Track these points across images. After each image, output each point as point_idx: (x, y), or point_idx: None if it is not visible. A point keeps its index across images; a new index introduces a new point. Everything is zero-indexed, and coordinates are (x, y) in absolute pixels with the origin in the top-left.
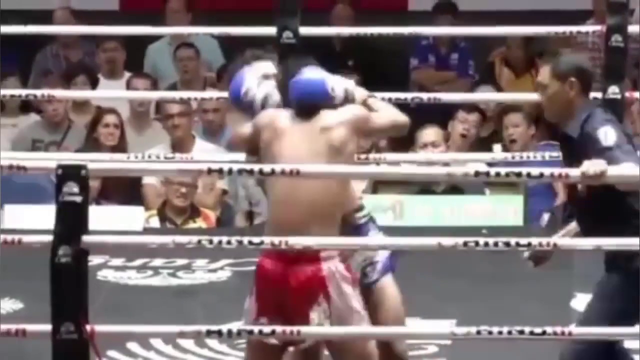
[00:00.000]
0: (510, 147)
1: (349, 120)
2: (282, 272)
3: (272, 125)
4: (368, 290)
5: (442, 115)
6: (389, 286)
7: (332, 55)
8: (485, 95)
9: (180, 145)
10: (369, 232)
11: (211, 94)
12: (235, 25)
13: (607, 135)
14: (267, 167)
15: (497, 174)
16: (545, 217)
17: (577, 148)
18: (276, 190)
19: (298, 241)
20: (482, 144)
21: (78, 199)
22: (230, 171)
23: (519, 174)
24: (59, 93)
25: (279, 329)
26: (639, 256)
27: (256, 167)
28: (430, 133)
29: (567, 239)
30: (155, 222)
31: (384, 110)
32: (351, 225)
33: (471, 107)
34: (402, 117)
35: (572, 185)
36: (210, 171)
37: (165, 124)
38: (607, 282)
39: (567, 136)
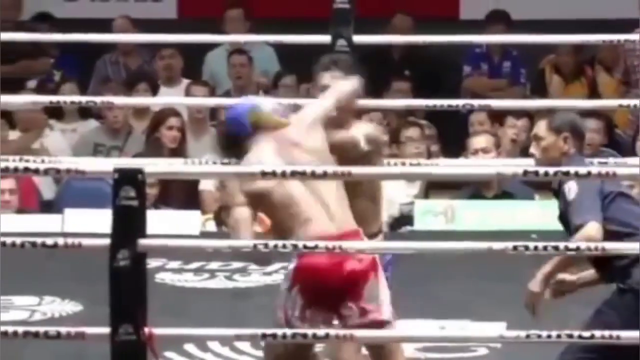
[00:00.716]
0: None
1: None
2: (336, 262)
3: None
4: None
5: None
6: None
7: (389, 64)
8: (534, 103)
9: None
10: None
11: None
12: (291, 34)
13: (570, 190)
14: (319, 169)
15: (546, 174)
16: None
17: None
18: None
19: (352, 245)
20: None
21: (135, 203)
22: (283, 174)
23: (567, 173)
24: (119, 100)
25: (332, 332)
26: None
27: (308, 168)
28: (481, 140)
29: (614, 243)
30: (211, 226)
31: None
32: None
33: (520, 113)
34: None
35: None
36: (264, 174)
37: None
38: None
39: (554, 190)
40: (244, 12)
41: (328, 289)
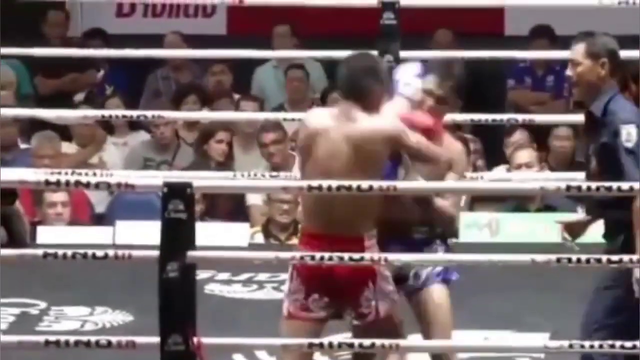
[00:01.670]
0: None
1: (386, 131)
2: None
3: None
4: (411, 296)
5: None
6: (435, 293)
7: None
8: (577, 117)
9: (279, 169)
10: (433, 248)
11: None
12: (337, 49)
13: (630, 135)
14: (364, 184)
15: (589, 188)
16: None
17: (599, 126)
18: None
19: (398, 257)
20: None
21: (183, 215)
22: (329, 188)
23: (609, 188)
24: (168, 114)
25: (378, 342)
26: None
27: (354, 184)
28: (524, 154)
29: None
30: (259, 238)
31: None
32: (408, 238)
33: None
34: (439, 153)
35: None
36: (310, 188)
37: (262, 152)
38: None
39: (591, 114)
40: (290, 28)
41: (325, 278)
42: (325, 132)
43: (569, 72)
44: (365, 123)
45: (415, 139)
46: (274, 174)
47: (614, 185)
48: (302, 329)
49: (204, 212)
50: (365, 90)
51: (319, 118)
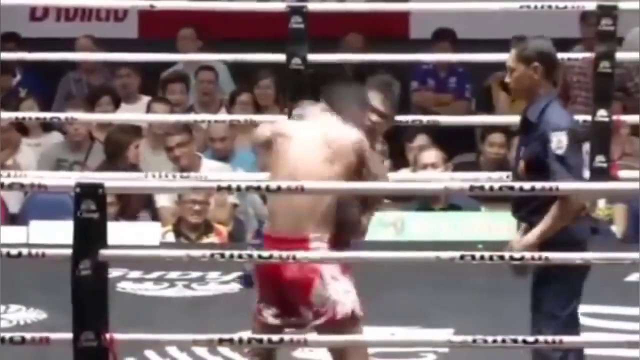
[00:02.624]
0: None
1: (357, 141)
2: (276, 265)
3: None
4: None
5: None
6: None
7: (343, 80)
8: (481, 118)
9: (187, 170)
10: None
11: (224, 116)
12: (247, 52)
13: (561, 142)
14: (273, 184)
15: (491, 188)
16: None
17: (532, 131)
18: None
19: (304, 255)
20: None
21: (95, 215)
22: (238, 188)
23: (511, 188)
24: (81, 116)
25: (286, 337)
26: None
27: (263, 183)
28: (430, 155)
29: (558, 253)
30: (170, 238)
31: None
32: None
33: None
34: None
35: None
36: (219, 188)
37: (168, 155)
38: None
39: (526, 119)
40: (195, 31)
41: (273, 287)
42: (297, 131)
43: (507, 78)
44: (339, 128)
45: (372, 167)
46: (185, 174)
47: (516, 185)
48: (260, 331)
49: (118, 212)
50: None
51: (292, 125)
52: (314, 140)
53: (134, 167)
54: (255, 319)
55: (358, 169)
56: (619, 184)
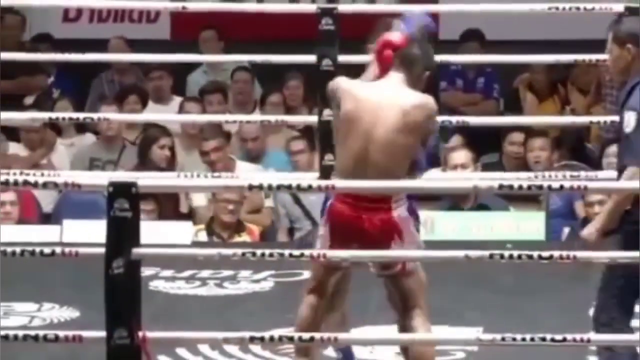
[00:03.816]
0: (535, 167)
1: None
2: (357, 216)
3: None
4: None
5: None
6: None
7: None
8: (510, 119)
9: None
10: None
11: (255, 117)
12: (269, 53)
13: (629, 121)
14: (304, 182)
15: (520, 187)
16: (566, 230)
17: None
18: (350, 150)
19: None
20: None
21: (128, 214)
22: (270, 187)
23: (540, 187)
24: (114, 116)
25: (317, 335)
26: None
27: (294, 181)
28: (460, 155)
29: (586, 252)
30: (203, 237)
31: None
32: None
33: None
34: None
35: None
36: (251, 187)
37: (203, 159)
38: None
39: (619, 98)
40: (216, 32)
41: (350, 235)
42: (371, 95)
43: (608, 61)
44: (412, 96)
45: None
46: (216, 174)
47: (544, 184)
48: (323, 272)
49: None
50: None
51: (365, 88)
52: (391, 108)
53: (167, 169)
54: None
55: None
56: None
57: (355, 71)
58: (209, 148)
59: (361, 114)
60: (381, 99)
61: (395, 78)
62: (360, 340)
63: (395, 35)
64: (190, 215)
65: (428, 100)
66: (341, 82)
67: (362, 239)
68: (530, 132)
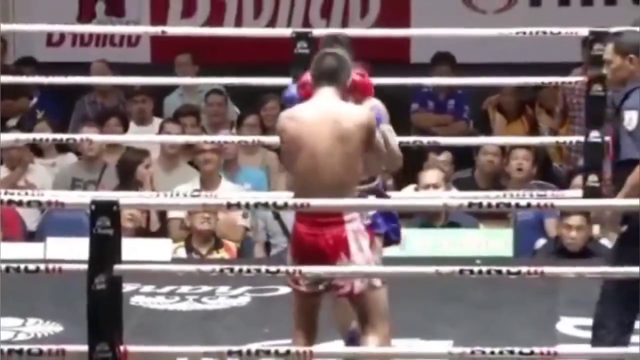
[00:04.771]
0: (516, 174)
1: (363, 122)
2: (312, 233)
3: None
4: None
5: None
6: None
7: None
8: (479, 140)
9: (208, 181)
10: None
11: (232, 137)
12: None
13: (632, 120)
14: (280, 201)
15: (489, 205)
16: (541, 241)
17: (617, 111)
18: (300, 168)
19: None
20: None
21: (110, 231)
22: (247, 205)
23: (508, 205)
24: (96, 137)
25: (293, 349)
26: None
27: (270, 200)
28: (432, 175)
29: (551, 267)
30: (182, 253)
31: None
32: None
33: (441, 148)
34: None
35: None
36: (229, 205)
37: (197, 159)
38: None
39: (613, 103)
40: (191, 57)
41: (308, 254)
42: (306, 113)
43: (604, 70)
44: (344, 109)
45: (380, 141)
46: (195, 194)
47: (512, 201)
48: (299, 299)
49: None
50: (339, 78)
51: (303, 111)
52: (325, 122)
53: (142, 186)
54: (293, 290)
55: (368, 143)
56: (619, 201)
57: None
58: (206, 146)
59: (302, 134)
60: (315, 115)
61: (326, 92)
62: (336, 354)
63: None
64: (162, 232)
65: (354, 110)
66: (282, 116)
67: (318, 257)
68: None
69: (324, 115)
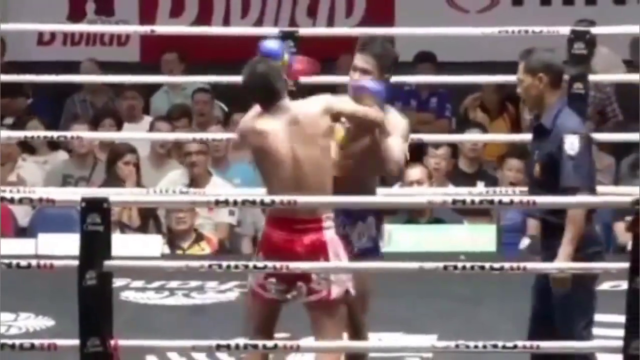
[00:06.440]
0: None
1: (320, 106)
2: (288, 239)
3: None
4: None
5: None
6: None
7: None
8: (462, 137)
9: (198, 180)
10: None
11: (222, 135)
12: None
13: (573, 145)
14: (267, 199)
15: (472, 202)
16: (526, 241)
17: (547, 137)
18: (278, 176)
19: (297, 265)
20: (466, 180)
21: (100, 228)
22: (235, 202)
23: (491, 202)
24: (86, 134)
25: (280, 343)
26: None
27: (258, 197)
28: (416, 172)
29: (535, 263)
30: (165, 249)
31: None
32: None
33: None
34: (374, 114)
35: None
36: (217, 202)
37: (184, 161)
38: None
39: (541, 126)
40: (178, 55)
41: (283, 260)
42: (267, 124)
43: (518, 89)
44: (298, 109)
45: (350, 106)
46: (184, 189)
47: (495, 198)
48: (258, 307)
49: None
50: (278, 91)
51: (260, 121)
52: (289, 128)
53: (124, 183)
54: (254, 296)
55: (339, 121)
56: (604, 198)
57: (315, 91)
58: (192, 149)
59: (270, 146)
60: (278, 123)
61: (278, 107)
62: (322, 348)
63: None
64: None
65: (311, 104)
66: (242, 123)
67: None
68: (508, 152)
69: (288, 119)
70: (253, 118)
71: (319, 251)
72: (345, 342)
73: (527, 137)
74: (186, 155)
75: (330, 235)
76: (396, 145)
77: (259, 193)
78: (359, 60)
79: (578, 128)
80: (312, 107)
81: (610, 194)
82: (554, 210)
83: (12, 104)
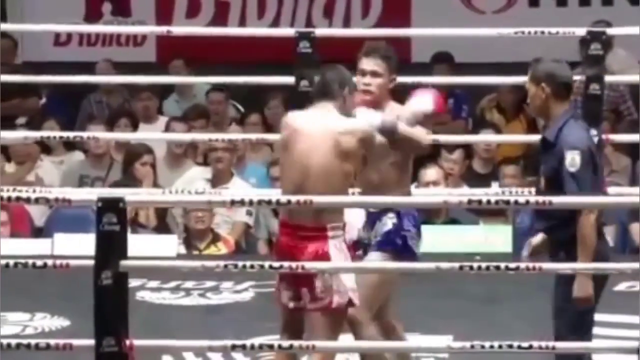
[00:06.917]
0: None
1: (358, 129)
2: (294, 247)
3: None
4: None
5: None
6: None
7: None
8: (477, 137)
9: (219, 178)
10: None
11: (237, 135)
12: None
13: (574, 161)
14: (283, 199)
15: (488, 202)
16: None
17: (552, 149)
18: (289, 177)
19: (312, 265)
20: (481, 181)
21: (116, 228)
22: (250, 202)
23: (507, 202)
24: (102, 135)
25: (296, 343)
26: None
27: (273, 197)
28: (432, 173)
29: (551, 263)
30: (181, 249)
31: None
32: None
33: (453, 146)
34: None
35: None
36: (233, 202)
37: (209, 157)
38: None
39: (545, 139)
40: (184, 61)
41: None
42: (306, 124)
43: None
44: (342, 123)
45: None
46: (200, 191)
47: (511, 199)
48: (283, 313)
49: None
50: (332, 91)
51: (299, 118)
52: (324, 136)
53: (142, 184)
54: (278, 301)
55: (365, 157)
56: (617, 198)
57: None
58: (220, 145)
59: (295, 144)
60: (312, 127)
61: (324, 106)
62: (337, 347)
63: None
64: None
65: (356, 125)
66: (287, 116)
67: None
68: (504, 159)
69: (322, 129)
70: (300, 112)
71: (322, 260)
72: (361, 342)
73: (539, 138)
74: (211, 150)
75: (334, 245)
76: (415, 131)
77: (274, 192)
78: (367, 63)
79: (579, 143)
80: (350, 129)
81: (627, 194)
82: (558, 225)
83: (24, 103)
